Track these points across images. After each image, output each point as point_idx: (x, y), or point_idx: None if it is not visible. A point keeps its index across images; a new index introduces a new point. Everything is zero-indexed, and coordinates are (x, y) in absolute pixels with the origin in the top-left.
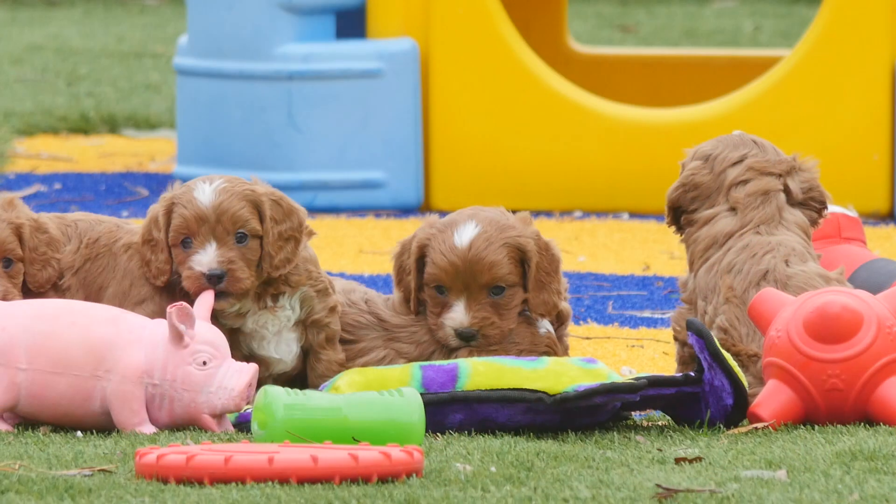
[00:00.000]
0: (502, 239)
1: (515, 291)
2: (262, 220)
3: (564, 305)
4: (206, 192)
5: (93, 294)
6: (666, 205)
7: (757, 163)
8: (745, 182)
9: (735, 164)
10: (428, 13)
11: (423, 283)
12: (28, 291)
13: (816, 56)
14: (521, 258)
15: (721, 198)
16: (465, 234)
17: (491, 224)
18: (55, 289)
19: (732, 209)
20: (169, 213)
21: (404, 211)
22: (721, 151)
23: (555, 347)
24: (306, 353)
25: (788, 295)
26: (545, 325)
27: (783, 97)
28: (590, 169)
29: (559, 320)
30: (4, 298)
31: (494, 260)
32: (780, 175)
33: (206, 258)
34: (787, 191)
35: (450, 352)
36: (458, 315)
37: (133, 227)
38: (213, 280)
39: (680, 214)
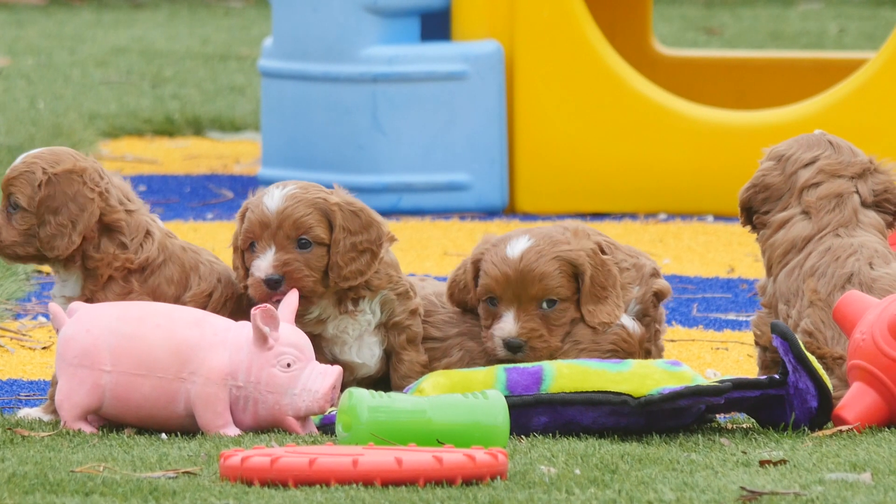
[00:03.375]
0: (554, 252)
1: (567, 307)
2: (332, 229)
3: (662, 283)
4: (274, 197)
5: None
6: (738, 205)
7: (828, 165)
8: (816, 185)
9: (806, 165)
10: (513, 15)
11: (477, 296)
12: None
13: None
14: (573, 273)
15: (793, 200)
16: (517, 247)
17: (544, 238)
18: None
19: (805, 213)
20: (242, 217)
21: (489, 213)
22: (794, 152)
23: (624, 344)
24: (389, 355)
25: (873, 297)
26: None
27: (868, 99)
28: (674, 171)
29: (658, 298)
30: None
31: (545, 271)
32: (852, 178)
33: (263, 263)
34: (857, 193)
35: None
36: (507, 325)
37: None
38: (273, 284)
39: (752, 214)
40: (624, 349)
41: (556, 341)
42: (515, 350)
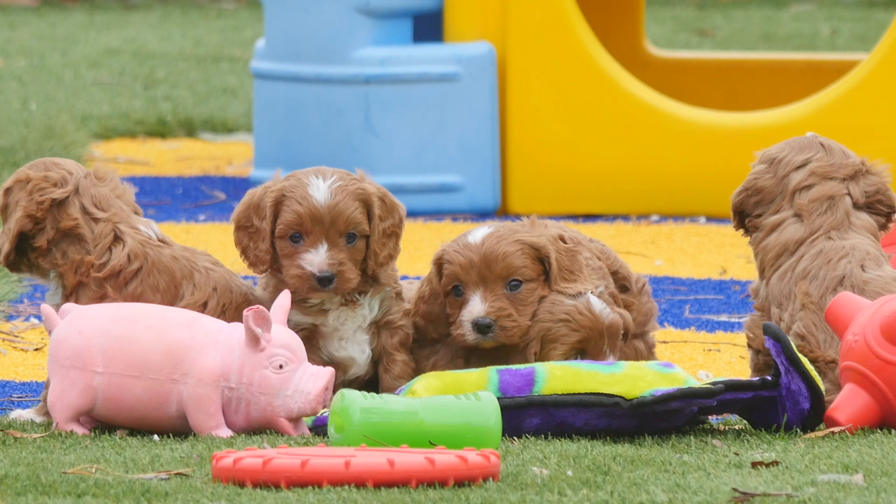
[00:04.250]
0: (514, 237)
1: (533, 288)
2: (370, 218)
3: (622, 267)
4: (321, 189)
5: None
6: (731, 208)
7: (820, 167)
8: (808, 187)
9: (798, 168)
10: (505, 17)
11: (442, 288)
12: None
13: (894, 60)
14: (536, 256)
15: (785, 203)
16: (478, 234)
17: (503, 226)
18: None
19: (798, 215)
20: (278, 204)
21: (481, 215)
22: (786, 155)
23: (580, 316)
24: (377, 357)
25: (865, 299)
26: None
27: (860, 101)
28: (667, 173)
29: (617, 280)
30: None
31: (507, 251)
32: (844, 179)
33: (317, 259)
34: (849, 195)
35: (466, 358)
36: (475, 307)
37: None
38: (325, 282)
39: (745, 218)
40: (577, 321)
41: (525, 320)
42: (485, 330)
